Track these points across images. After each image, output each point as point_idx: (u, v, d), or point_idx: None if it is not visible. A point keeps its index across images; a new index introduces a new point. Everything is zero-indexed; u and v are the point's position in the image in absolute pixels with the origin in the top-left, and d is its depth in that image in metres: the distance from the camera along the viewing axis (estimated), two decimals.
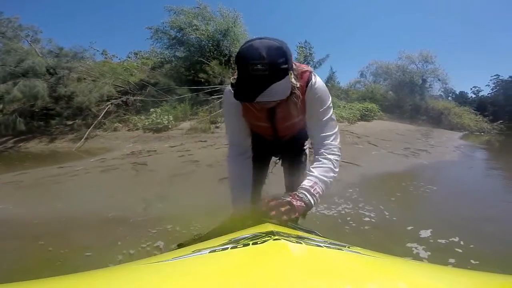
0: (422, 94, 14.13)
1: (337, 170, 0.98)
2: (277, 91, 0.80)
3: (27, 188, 2.99)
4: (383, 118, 11.04)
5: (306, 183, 0.93)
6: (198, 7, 10.30)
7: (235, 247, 0.49)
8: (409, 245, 1.80)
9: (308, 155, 1.29)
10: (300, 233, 0.78)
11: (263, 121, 1.07)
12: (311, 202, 0.90)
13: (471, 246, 1.77)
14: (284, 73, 0.81)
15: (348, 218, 2.21)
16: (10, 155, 6.39)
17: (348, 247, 0.55)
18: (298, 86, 0.91)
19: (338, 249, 0.52)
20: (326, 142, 0.99)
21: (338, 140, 1.02)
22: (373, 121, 10.14)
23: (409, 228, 2.03)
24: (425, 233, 1.94)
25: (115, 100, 7.99)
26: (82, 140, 6.56)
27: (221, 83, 9.02)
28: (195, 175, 3.27)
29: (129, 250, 1.76)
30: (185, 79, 9.71)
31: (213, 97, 8.36)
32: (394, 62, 14.64)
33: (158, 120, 7.03)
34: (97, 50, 12.87)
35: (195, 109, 8.32)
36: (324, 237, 0.83)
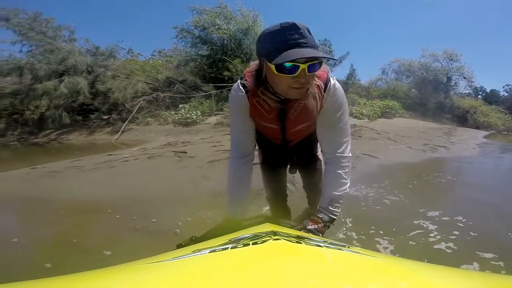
0: (446, 92, 13.99)
1: (349, 179, 1.01)
2: (321, 54, 0.79)
3: (88, 171, 3.62)
4: (404, 116, 11.14)
5: (323, 202, 1.00)
6: (219, 7, 10.92)
7: (235, 247, 0.50)
8: (416, 221, 2.10)
9: (322, 160, 1.22)
10: (300, 233, 0.81)
11: (273, 123, 1.03)
12: (332, 219, 0.97)
13: (470, 223, 2.08)
14: (318, 48, 0.80)
15: (364, 199, 2.59)
16: (55, 146, 7.24)
17: (348, 247, 0.56)
18: (316, 84, 0.91)
19: (338, 249, 0.53)
20: (338, 151, 0.99)
21: (349, 147, 1.02)
22: (394, 118, 10.31)
23: (420, 210, 2.32)
24: (433, 213, 2.24)
25: (146, 96, 8.73)
26: (119, 132, 7.33)
27: None
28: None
29: (187, 217, 2.18)
30: (209, 77, 10.33)
31: None
32: (417, 60, 14.59)
33: (188, 115, 7.68)
34: (124, 49, 13.79)
35: (220, 105, 8.92)
36: (324, 237, 0.89)
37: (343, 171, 0.98)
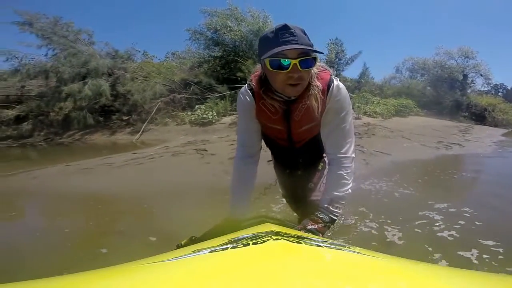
0: (463, 90, 13.82)
1: (351, 180, 1.02)
2: (308, 45, 0.84)
3: (118, 168, 3.96)
4: (419, 114, 11.11)
5: (323, 202, 1.01)
6: (229, 8, 11.25)
7: (235, 247, 0.50)
8: (423, 212, 2.21)
9: (326, 163, 1.19)
10: (300, 233, 0.82)
11: (278, 124, 1.06)
12: (333, 219, 0.99)
13: (475, 213, 2.18)
14: (312, 47, 0.86)
15: (375, 191, 2.76)
16: (80, 145, 7.74)
17: (348, 247, 0.57)
18: (317, 84, 0.95)
19: (338, 249, 0.54)
20: (341, 152, 1.02)
21: (352, 148, 1.04)
22: (408, 117, 10.32)
23: (429, 202, 2.43)
24: (441, 206, 2.35)
25: (164, 98, 9.14)
26: (140, 132, 7.75)
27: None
28: None
29: (216, 206, 2.42)
30: (222, 78, 10.66)
31: None
32: (432, 58, 14.48)
33: (204, 116, 8.03)
34: (139, 51, 14.30)
35: (234, 105, 9.23)
36: (324, 237, 0.90)
37: (345, 172, 1.00)
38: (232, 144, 5.13)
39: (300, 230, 0.93)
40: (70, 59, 8.46)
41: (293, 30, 0.83)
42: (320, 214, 0.98)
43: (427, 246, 1.68)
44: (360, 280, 0.37)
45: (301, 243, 0.54)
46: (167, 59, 16.04)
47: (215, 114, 8.34)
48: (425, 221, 2.08)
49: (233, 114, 8.72)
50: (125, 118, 8.92)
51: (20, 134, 9.14)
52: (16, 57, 9.64)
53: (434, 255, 1.58)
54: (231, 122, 8.11)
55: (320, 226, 0.96)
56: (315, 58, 0.88)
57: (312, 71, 0.92)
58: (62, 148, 7.49)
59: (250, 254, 0.48)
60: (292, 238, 0.57)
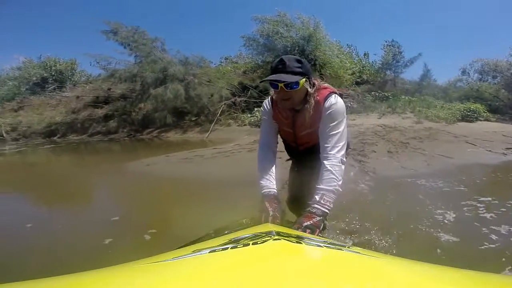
0: None
1: (340, 178, 1.17)
2: (291, 78, 1.12)
3: (210, 159, 4.92)
4: (490, 120, 10.55)
5: (315, 197, 1.14)
6: (278, 15, 12.04)
7: (235, 247, 0.53)
8: (468, 202, 2.62)
9: None
10: (300, 233, 0.86)
11: (288, 127, 1.39)
12: (325, 212, 1.11)
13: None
14: (300, 74, 1.14)
15: (430, 187, 3.21)
16: (157, 142, 9.21)
17: (348, 247, 0.60)
18: (313, 94, 1.21)
19: (338, 249, 0.57)
20: (330, 152, 1.19)
21: (343, 152, 1.22)
22: (476, 122, 9.92)
23: (474, 196, 2.77)
24: (486, 199, 2.70)
25: (227, 101, 10.36)
26: (209, 132, 9.00)
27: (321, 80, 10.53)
28: None
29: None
30: None
31: None
32: (505, 59, 13.44)
33: None
34: (196, 56, 15.90)
35: None
36: (324, 237, 0.94)
37: (335, 170, 1.16)
38: None
39: (297, 229, 1.02)
40: (152, 65, 10.13)
41: (285, 62, 1.14)
42: (312, 209, 1.11)
43: (477, 224, 2.21)
44: (360, 280, 0.39)
45: (301, 243, 0.56)
46: (221, 63, 17.46)
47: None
48: (469, 208, 2.55)
49: None
50: (193, 118, 10.34)
51: (108, 130, 11.16)
52: (109, 62, 11.72)
53: (483, 229, 2.13)
54: None
55: (314, 220, 1.07)
56: (298, 82, 1.14)
57: (309, 89, 1.20)
58: (142, 144, 9.02)
59: (250, 254, 0.50)
60: (292, 238, 0.59)
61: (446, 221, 2.28)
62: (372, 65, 14.65)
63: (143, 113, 10.98)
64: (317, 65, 11.65)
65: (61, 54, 21.34)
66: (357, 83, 12.88)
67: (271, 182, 1.30)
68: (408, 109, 10.13)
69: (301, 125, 1.32)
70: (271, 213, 1.15)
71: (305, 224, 1.05)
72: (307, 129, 1.32)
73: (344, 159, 1.22)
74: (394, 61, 13.76)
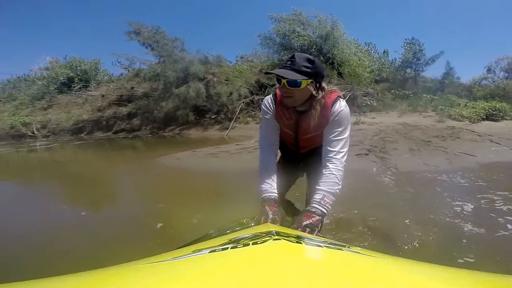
0: None
1: (341, 183, 1.18)
2: (294, 76, 1.10)
3: (236, 154, 5.19)
4: None
5: (316, 196, 1.15)
6: (294, 14, 12.16)
7: (235, 247, 0.53)
8: (484, 195, 2.75)
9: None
10: (300, 233, 0.88)
11: (289, 129, 1.34)
12: (324, 212, 1.12)
13: None
14: (306, 74, 1.11)
15: (452, 183, 3.31)
16: (179, 139, 9.58)
17: (348, 247, 0.60)
18: (320, 99, 1.19)
19: (338, 249, 0.57)
20: (334, 157, 1.20)
21: (346, 157, 1.22)
22: (502, 121, 9.71)
23: (491, 190, 2.91)
24: (503, 193, 2.85)
25: (245, 99, 10.63)
26: (229, 129, 9.31)
27: (329, 84, 10.62)
28: None
29: None
30: None
31: None
32: None
33: None
34: (213, 56, 16.24)
35: None
36: (324, 237, 0.94)
37: (337, 173, 1.18)
38: None
39: (297, 228, 1.03)
40: (174, 65, 10.55)
41: (294, 59, 1.12)
42: (312, 208, 1.12)
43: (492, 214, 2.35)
44: (360, 280, 0.40)
45: (301, 243, 0.57)
46: (237, 62, 17.74)
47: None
48: (485, 200, 2.67)
49: None
50: (213, 116, 10.68)
51: (131, 127, 11.70)
52: (132, 62, 12.24)
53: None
54: None
55: (314, 219, 1.08)
56: (300, 82, 1.12)
57: (313, 92, 1.17)
58: (165, 140, 9.41)
59: (250, 254, 0.51)
60: (292, 238, 0.60)
61: (465, 212, 2.44)
62: (392, 63, 14.53)
63: (164, 111, 11.42)
64: (335, 64, 11.73)
65: (83, 53, 22.54)
66: (376, 81, 12.84)
67: (271, 186, 1.28)
68: (429, 107, 10.05)
69: (305, 129, 1.30)
70: (270, 216, 1.15)
71: (305, 223, 1.06)
72: (311, 133, 1.30)
73: (346, 163, 1.23)
74: (415, 59, 13.62)
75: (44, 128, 12.98)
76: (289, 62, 1.13)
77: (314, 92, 1.17)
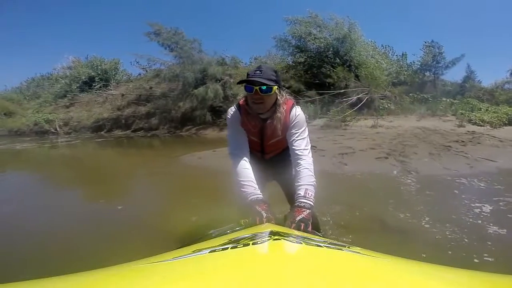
0: None
1: (314, 176, 1.30)
2: (267, 82, 1.22)
3: None
4: None
5: (300, 192, 1.24)
6: (310, 16, 12.21)
7: (235, 247, 0.53)
8: (499, 198, 2.85)
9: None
10: (300, 233, 0.89)
11: (255, 136, 1.45)
12: (311, 205, 1.21)
13: None
14: (274, 81, 1.26)
15: (469, 186, 3.39)
16: (195, 138, 9.84)
17: (348, 247, 0.61)
18: (282, 104, 1.34)
19: (338, 249, 0.58)
20: (302, 155, 1.33)
21: (311, 154, 1.36)
22: None
23: (506, 194, 2.98)
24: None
25: None
26: None
27: (346, 86, 10.64)
28: (356, 155, 5.09)
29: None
30: (308, 82, 11.70)
31: (343, 99, 10.04)
32: None
33: None
34: (227, 57, 16.47)
35: (324, 109, 10.21)
36: (324, 237, 0.95)
37: (309, 168, 1.30)
38: (335, 143, 6.19)
39: (291, 224, 1.08)
40: (192, 66, 10.83)
41: (262, 69, 1.26)
42: (300, 203, 1.20)
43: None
44: (360, 280, 0.40)
45: (301, 243, 0.58)
46: (252, 63, 17.91)
47: (307, 117, 9.45)
48: (498, 198, 2.81)
49: (323, 117, 9.74)
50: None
51: (149, 126, 12.06)
52: (153, 62, 12.62)
53: None
54: (322, 125, 9.16)
55: (305, 214, 1.15)
56: (271, 87, 1.25)
57: (278, 98, 1.32)
58: (183, 140, 9.72)
59: (250, 254, 0.51)
60: (292, 238, 0.61)
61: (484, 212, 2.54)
62: (410, 66, 14.36)
63: (181, 111, 11.72)
64: (352, 66, 11.72)
65: (102, 53, 23.35)
66: (394, 84, 12.71)
67: (254, 188, 1.29)
68: (449, 111, 9.91)
69: (271, 134, 1.41)
70: (264, 215, 1.14)
71: (298, 218, 1.12)
72: (276, 138, 1.42)
73: (312, 158, 1.36)
74: (434, 62, 13.40)
75: (66, 125, 13.56)
76: (258, 72, 1.26)
77: (279, 97, 1.32)
